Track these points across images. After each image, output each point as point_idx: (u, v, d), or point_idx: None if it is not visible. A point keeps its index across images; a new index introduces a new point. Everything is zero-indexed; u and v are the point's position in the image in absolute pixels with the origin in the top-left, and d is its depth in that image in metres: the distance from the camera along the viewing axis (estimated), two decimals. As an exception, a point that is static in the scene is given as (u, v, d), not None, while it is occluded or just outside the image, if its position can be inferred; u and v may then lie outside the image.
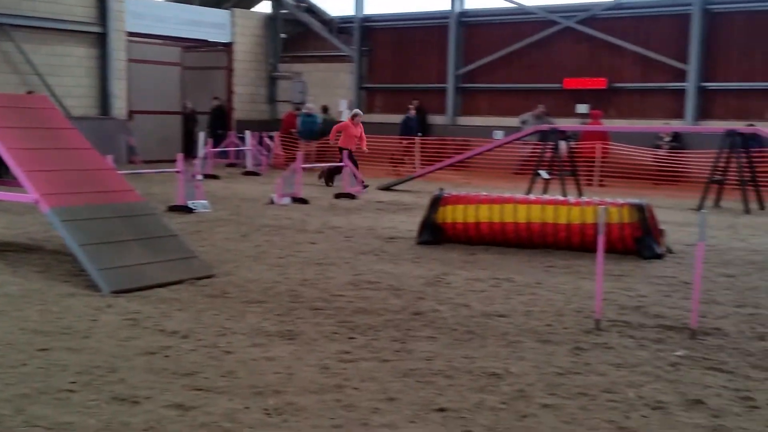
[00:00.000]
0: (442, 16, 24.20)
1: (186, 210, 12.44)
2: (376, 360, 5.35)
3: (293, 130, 22.79)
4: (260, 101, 26.66)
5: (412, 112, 22.45)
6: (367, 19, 25.63)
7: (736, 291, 7.59)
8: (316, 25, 25.98)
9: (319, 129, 21.93)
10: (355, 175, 15.86)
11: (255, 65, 26.46)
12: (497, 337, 5.93)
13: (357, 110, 17.72)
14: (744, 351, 5.61)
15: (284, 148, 22.53)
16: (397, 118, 23.04)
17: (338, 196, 15.13)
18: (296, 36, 26.74)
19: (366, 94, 25.71)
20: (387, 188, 17.04)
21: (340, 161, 16.02)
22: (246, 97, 26.17)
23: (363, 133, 16.82)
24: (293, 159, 16.12)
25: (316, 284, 7.61)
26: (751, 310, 6.80)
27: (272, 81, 26.80)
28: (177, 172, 12.78)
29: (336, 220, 12.07)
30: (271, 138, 22.37)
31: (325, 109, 23.57)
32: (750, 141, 15.79)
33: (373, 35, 25.69)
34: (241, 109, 25.88)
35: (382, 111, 25.21)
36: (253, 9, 28.04)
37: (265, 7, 27.76)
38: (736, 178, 14.88)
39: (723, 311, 6.75)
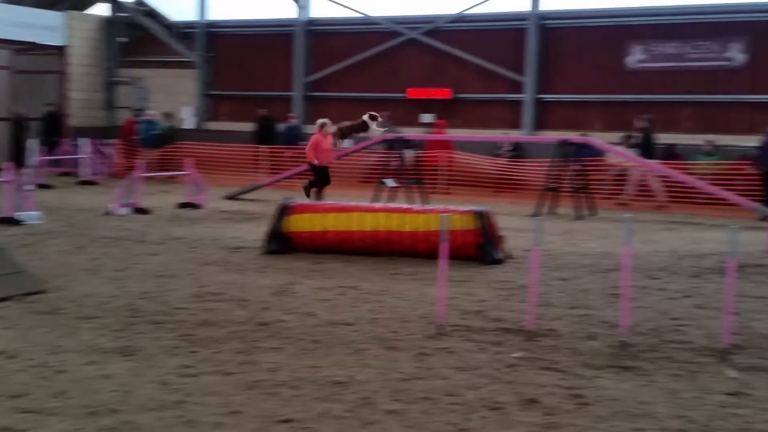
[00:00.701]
0: (289, 23, 24.14)
1: (13, 222, 11.73)
2: (219, 373, 5.23)
3: (133, 138, 21.97)
4: (97, 107, 25.58)
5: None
6: (212, 24, 25.15)
7: (569, 294, 7.96)
8: (158, 30, 25.21)
9: (161, 136, 21.27)
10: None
11: (92, 70, 25.34)
12: (343, 345, 5.93)
13: (324, 120, 15.61)
14: (576, 350, 5.88)
15: (124, 156, 21.70)
16: (244, 126, 22.75)
17: (182, 205, 14.73)
18: (137, 40, 25.85)
19: (211, 101, 25.23)
20: (232, 197, 16.75)
21: (314, 177, 14.82)
22: (82, 102, 25.00)
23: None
24: (133, 167, 15.54)
25: (157, 297, 7.35)
26: (583, 312, 7.14)
27: (110, 86, 25.78)
28: (4, 182, 12.05)
29: (179, 231, 11.74)
30: (109, 145, 21.48)
31: (167, 116, 22.92)
32: (582, 150, 16.68)
33: (217, 41, 25.25)
34: (76, 116, 24.68)
35: (228, 119, 24.83)
36: (89, 11, 26.86)
37: (102, 10, 26.69)
38: (570, 185, 15.65)
39: (557, 313, 7.06)
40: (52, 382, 4.97)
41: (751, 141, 18.09)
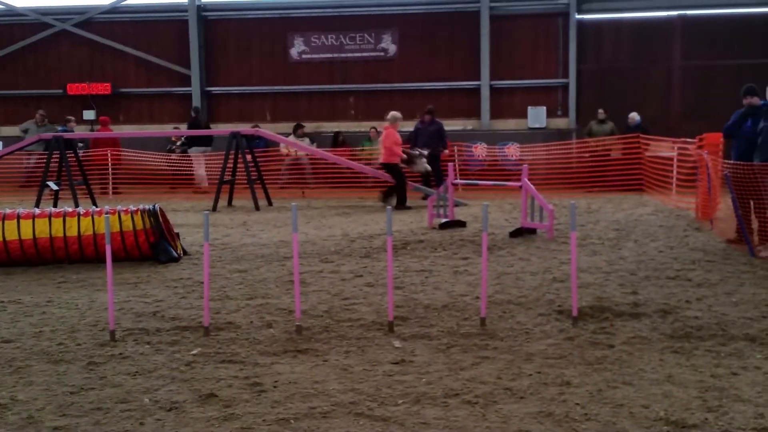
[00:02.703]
0: None
1: None
2: None
3: None
4: None
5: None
6: None
7: (247, 285, 8.01)
8: None
9: None
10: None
11: None
12: (2, 365, 5.42)
13: (395, 113, 14.91)
14: (254, 340, 5.94)
15: None
16: None
17: None
18: None
19: None
20: None
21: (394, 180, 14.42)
22: None
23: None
24: None
25: None
26: (261, 301, 7.23)
27: None
28: None
29: None
30: None
31: None
32: (254, 141, 16.89)
33: None
34: None
35: None
36: None
37: None
38: (245, 177, 15.78)
39: (235, 305, 7.07)
40: None
41: (407, 127, 19.59)
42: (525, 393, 4.70)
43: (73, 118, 19.50)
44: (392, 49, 21.44)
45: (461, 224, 11.88)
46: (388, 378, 5.01)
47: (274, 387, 4.90)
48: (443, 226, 11.74)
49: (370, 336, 5.99)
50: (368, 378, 5.02)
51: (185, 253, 9.76)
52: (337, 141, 19.85)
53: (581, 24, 21.09)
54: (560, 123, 21.28)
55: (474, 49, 21.22)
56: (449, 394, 4.70)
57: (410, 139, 16.58)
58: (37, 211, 9.48)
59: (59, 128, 18.31)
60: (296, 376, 5.10)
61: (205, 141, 18.92)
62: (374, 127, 19.29)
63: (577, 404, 4.50)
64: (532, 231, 10.90)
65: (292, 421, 4.35)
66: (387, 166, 14.62)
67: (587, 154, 18.75)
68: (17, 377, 5.17)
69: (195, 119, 19.40)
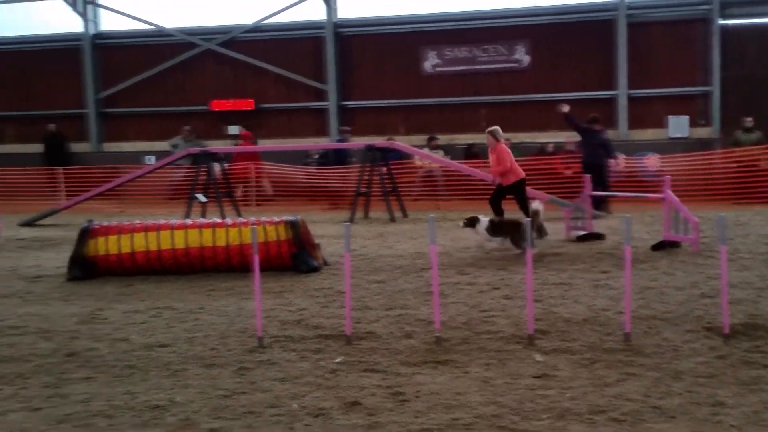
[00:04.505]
0: (75, 38, 23.10)
1: None
2: (25, 410, 4.91)
3: None
4: None
5: None
6: (-16, 43, 23.61)
7: (385, 295, 8.14)
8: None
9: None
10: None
11: None
12: (160, 368, 5.74)
13: (495, 127, 12.41)
14: (394, 350, 6.03)
15: None
16: (33, 148, 21.47)
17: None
18: None
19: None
20: (29, 224, 15.77)
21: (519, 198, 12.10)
22: None
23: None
24: None
25: (-50, 337, 6.79)
26: (399, 312, 7.33)
27: None
28: None
29: (-29, 263, 10.90)
30: None
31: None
32: (388, 154, 17.12)
33: (-4, 59, 23.72)
34: None
35: (13, 141, 23.35)
36: None
37: None
38: (380, 189, 16.02)
39: (375, 315, 7.20)
40: None
41: (542, 137, 19.37)
42: (675, 412, 4.55)
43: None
44: (526, 60, 21.26)
45: (599, 237, 11.61)
46: (531, 392, 4.97)
47: (417, 397, 4.96)
48: (581, 239, 11.52)
49: (510, 349, 5.96)
50: (510, 391, 5.00)
51: (326, 263, 10.00)
52: (470, 153, 19.85)
53: (724, 29, 20.23)
54: (702, 132, 20.44)
55: (608, 58, 20.75)
56: (595, 410, 4.62)
57: (576, 150, 16.18)
58: (189, 222, 9.97)
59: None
60: (438, 386, 5.14)
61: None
62: (509, 139, 19.21)
63: (733, 426, 4.33)
64: (675, 244, 10.52)
65: (436, 431, 4.40)
66: (516, 185, 12.15)
67: (733, 165, 17.91)
68: (174, 380, 5.45)
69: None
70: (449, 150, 20.25)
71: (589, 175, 12.59)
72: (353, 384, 5.25)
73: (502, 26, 21.31)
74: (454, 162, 17.58)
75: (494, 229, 10.73)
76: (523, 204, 11.95)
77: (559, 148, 19.12)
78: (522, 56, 21.30)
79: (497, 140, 12.18)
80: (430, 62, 21.74)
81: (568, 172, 17.76)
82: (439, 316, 6.45)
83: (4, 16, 24.19)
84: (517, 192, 12.14)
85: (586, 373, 5.29)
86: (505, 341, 6.17)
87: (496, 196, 12.28)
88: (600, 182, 14.44)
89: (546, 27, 21.17)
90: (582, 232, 11.74)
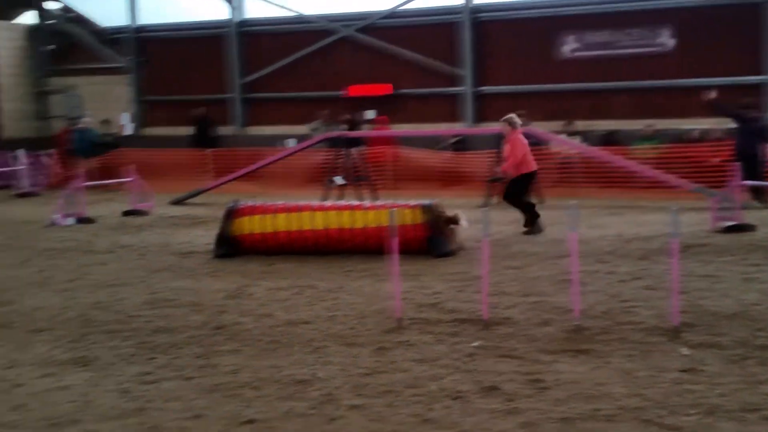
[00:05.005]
0: (222, 25, 23.93)
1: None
2: (179, 378, 5.20)
3: (68, 147, 21.47)
4: (29, 118, 24.98)
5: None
6: (142, 29, 24.70)
7: (521, 281, 8.08)
8: (86, 36, 24.68)
9: (97, 144, 20.75)
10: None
11: (22, 80, 24.79)
12: (302, 344, 5.94)
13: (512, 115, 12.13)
14: (531, 337, 5.99)
15: (64, 166, 21.24)
16: (181, 131, 22.47)
17: (127, 213, 14.49)
18: (65, 48, 25.30)
19: (146, 107, 24.82)
20: (179, 202, 16.56)
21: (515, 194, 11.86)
22: (13, 113, 24.41)
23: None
24: (72, 177, 15.22)
25: (110, 306, 7.26)
26: (536, 299, 7.26)
27: (41, 96, 25.19)
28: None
29: (126, 239, 11.57)
30: (46, 156, 21.02)
31: (105, 124, 22.51)
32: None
33: (149, 46, 24.82)
34: (8, 127, 24.12)
35: (164, 124, 24.48)
36: (15, 21, 26.16)
37: (30, 18, 26.01)
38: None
39: (511, 301, 7.16)
40: (10, 395, 4.89)
41: (686, 124, 18.59)
42: (836, 414, 4.32)
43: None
44: (670, 43, 20.42)
45: (750, 228, 11.06)
46: (677, 386, 4.83)
47: (556, 385, 4.91)
48: (729, 230, 11.02)
49: (654, 341, 5.80)
50: (654, 384, 4.87)
51: (460, 248, 10.00)
52: (610, 139, 19.31)
53: None
54: None
55: (758, 42, 19.62)
56: (746, 408, 4.43)
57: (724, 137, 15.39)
58: (328, 204, 10.21)
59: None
60: (577, 375, 5.07)
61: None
62: (650, 125, 18.56)
63: None
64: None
65: (577, 421, 4.34)
66: (527, 176, 11.80)
67: None
68: (316, 356, 5.63)
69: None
70: (588, 136, 19.76)
71: (739, 164, 11.98)
72: (490, 369, 5.26)
73: (645, 9, 20.53)
74: (592, 148, 17.17)
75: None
76: (520, 196, 11.76)
77: (705, 135, 18.30)
78: (666, 40, 20.47)
79: (514, 128, 11.79)
80: (569, 46, 21.23)
81: (716, 160, 16.98)
82: (579, 304, 6.34)
83: (153, 3, 25.39)
84: (523, 184, 11.87)
85: (737, 370, 5.09)
86: (647, 333, 6.01)
87: (514, 191, 11.86)
88: (753, 172, 13.68)
89: (692, 9, 20.24)
90: (730, 223, 11.23)
